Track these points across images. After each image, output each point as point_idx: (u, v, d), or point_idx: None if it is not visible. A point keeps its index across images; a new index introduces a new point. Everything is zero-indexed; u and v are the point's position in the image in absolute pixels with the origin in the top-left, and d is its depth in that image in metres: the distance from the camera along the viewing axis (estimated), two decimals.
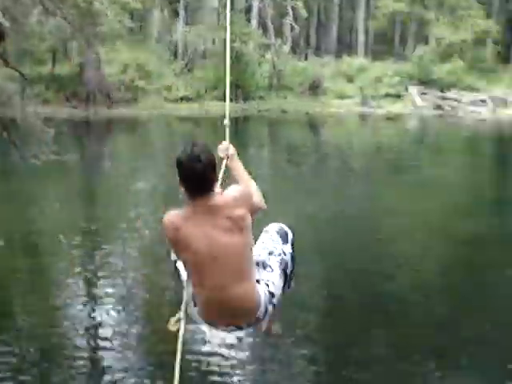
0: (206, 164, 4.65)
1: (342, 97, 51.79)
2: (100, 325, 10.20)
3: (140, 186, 21.94)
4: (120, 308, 10.84)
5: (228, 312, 4.83)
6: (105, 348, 9.43)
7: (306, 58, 58.02)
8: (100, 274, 12.50)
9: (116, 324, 10.24)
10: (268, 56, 52.89)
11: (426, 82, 52.35)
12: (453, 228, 16.57)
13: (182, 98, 48.04)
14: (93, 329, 10.10)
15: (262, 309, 4.90)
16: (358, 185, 23.44)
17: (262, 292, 4.90)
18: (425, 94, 51.34)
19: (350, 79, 54.04)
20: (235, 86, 49.00)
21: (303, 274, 11.03)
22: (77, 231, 15.47)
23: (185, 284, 5.02)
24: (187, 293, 4.99)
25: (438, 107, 49.99)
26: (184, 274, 5.04)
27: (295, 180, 24.40)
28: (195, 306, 4.98)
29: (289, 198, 19.74)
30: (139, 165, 26.54)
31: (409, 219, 17.52)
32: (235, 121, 44.67)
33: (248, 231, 4.79)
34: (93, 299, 11.36)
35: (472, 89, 52.79)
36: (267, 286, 4.96)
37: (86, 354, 9.27)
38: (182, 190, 4.76)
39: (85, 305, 10.99)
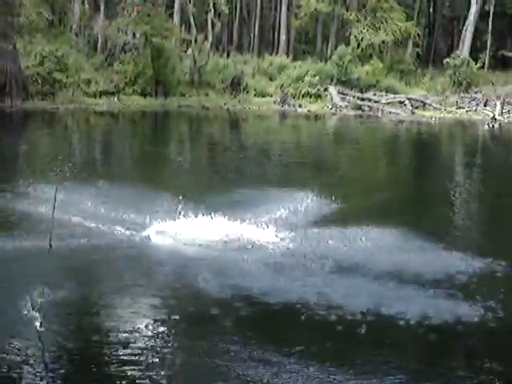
0: None
1: (262, 95, 51.91)
2: None
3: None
4: None
5: None
6: None
7: (227, 55, 57.95)
8: None
9: None
10: (189, 52, 52.64)
11: (345, 82, 52.79)
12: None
13: (101, 92, 47.42)
14: None
15: None
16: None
17: None
18: (344, 94, 51.75)
19: (271, 77, 54.17)
20: (156, 81, 48.74)
21: None
22: None
23: None
24: None
25: (357, 107, 50.44)
26: None
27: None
28: None
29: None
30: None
31: None
32: (155, 116, 44.51)
33: None
34: None
35: (391, 90, 53.43)
36: None
37: None
38: None
39: None
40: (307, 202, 17.62)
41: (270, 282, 12.23)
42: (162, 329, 10.35)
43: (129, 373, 8.74)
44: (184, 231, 14.75)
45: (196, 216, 15.48)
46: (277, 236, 14.81)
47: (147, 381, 8.60)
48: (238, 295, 11.59)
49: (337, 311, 10.85)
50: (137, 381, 8.57)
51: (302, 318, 10.85)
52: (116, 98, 47.30)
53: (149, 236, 14.63)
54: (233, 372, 8.91)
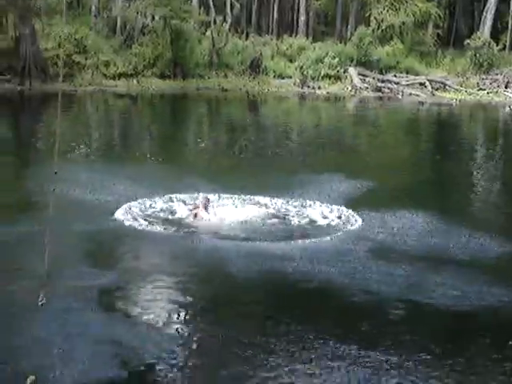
0: None
1: (281, 76, 51.59)
2: None
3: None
4: None
5: None
6: None
7: (246, 37, 57.55)
8: None
9: None
10: (208, 34, 52.36)
11: (365, 63, 52.36)
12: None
13: (120, 74, 47.26)
14: None
15: None
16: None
17: None
18: (364, 75, 51.36)
19: (290, 59, 53.78)
20: (174, 63, 48.55)
21: None
22: None
23: None
24: None
25: (377, 89, 50.06)
26: None
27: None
28: None
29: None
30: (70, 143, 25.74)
31: None
32: (174, 98, 44.32)
33: None
34: None
35: (411, 71, 53.00)
36: None
37: None
38: None
39: None
40: (336, 185, 17.49)
41: (304, 266, 12.11)
42: (195, 310, 10.32)
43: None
44: (219, 213, 14.66)
45: (227, 197, 15.48)
46: (309, 219, 14.73)
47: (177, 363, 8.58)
48: (273, 278, 11.52)
49: (372, 294, 10.77)
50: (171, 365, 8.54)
51: (338, 301, 10.78)
52: (135, 80, 47.15)
53: (184, 217, 14.55)
54: (270, 352, 8.85)
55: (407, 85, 50.78)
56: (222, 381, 8.37)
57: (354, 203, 16.01)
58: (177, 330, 9.54)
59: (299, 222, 14.59)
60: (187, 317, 10.09)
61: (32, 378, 7.49)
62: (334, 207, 15.53)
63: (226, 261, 12.12)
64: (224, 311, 10.40)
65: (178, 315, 10.04)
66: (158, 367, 8.46)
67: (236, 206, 15.30)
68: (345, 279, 11.41)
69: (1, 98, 38.97)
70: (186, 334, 9.50)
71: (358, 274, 11.68)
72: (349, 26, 59.34)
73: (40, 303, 7.67)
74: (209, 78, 49.64)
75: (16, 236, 12.90)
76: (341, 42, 55.91)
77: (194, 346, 9.22)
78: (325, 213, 15.08)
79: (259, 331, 9.56)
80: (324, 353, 8.89)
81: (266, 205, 15.42)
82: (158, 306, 10.37)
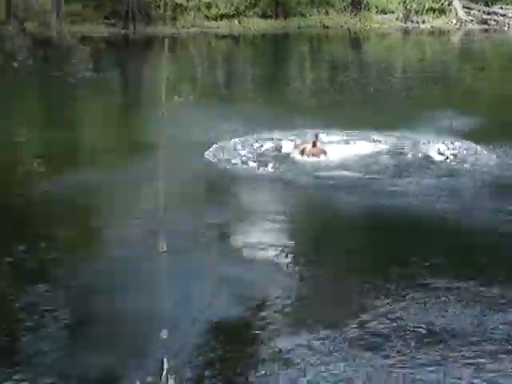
0: None
1: (384, 11, 50.55)
2: None
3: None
4: None
5: None
6: None
7: None
8: None
9: None
10: None
11: None
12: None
13: (221, 16, 47.25)
14: None
15: None
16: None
17: None
18: (469, 8, 49.93)
19: None
20: (275, 2, 48.22)
21: None
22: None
23: None
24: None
25: (483, 22, 48.65)
26: None
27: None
28: None
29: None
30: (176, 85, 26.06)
31: None
32: (275, 38, 44.17)
33: None
34: None
35: None
36: None
37: None
38: None
39: None
40: (447, 120, 17.28)
41: (416, 203, 12.10)
42: (307, 248, 10.49)
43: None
44: (329, 149, 14.68)
45: (336, 134, 15.53)
46: (423, 155, 14.65)
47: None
48: (384, 215, 11.59)
49: (486, 231, 10.71)
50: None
51: (451, 237, 10.76)
52: (236, 21, 47.07)
53: (293, 154, 14.65)
54: (381, 289, 8.92)
55: None
56: (337, 314, 8.47)
57: (468, 139, 15.78)
58: (290, 266, 9.70)
59: (413, 157, 14.51)
60: (299, 254, 10.24)
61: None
62: (449, 143, 15.36)
63: (336, 198, 12.22)
64: (336, 248, 10.50)
65: (290, 253, 10.19)
66: (275, 303, 8.64)
67: (346, 142, 15.32)
68: (459, 215, 11.36)
69: (106, 43, 39.55)
70: (300, 270, 9.66)
71: (473, 210, 11.60)
72: None
73: (161, 250, 7.85)
74: (310, 15, 49.08)
75: (127, 179, 13.22)
76: None
77: (308, 282, 9.37)
78: (441, 149, 14.93)
79: (369, 269, 9.62)
80: (437, 289, 8.89)
81: (377, 140, 15.37)
82: (270, 244, 10.53)
